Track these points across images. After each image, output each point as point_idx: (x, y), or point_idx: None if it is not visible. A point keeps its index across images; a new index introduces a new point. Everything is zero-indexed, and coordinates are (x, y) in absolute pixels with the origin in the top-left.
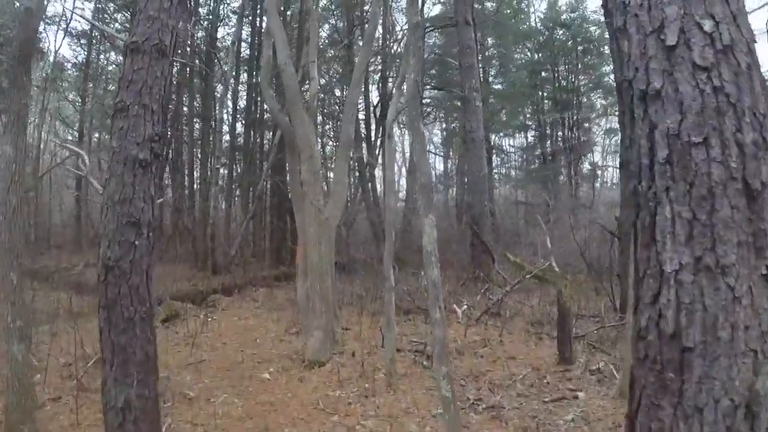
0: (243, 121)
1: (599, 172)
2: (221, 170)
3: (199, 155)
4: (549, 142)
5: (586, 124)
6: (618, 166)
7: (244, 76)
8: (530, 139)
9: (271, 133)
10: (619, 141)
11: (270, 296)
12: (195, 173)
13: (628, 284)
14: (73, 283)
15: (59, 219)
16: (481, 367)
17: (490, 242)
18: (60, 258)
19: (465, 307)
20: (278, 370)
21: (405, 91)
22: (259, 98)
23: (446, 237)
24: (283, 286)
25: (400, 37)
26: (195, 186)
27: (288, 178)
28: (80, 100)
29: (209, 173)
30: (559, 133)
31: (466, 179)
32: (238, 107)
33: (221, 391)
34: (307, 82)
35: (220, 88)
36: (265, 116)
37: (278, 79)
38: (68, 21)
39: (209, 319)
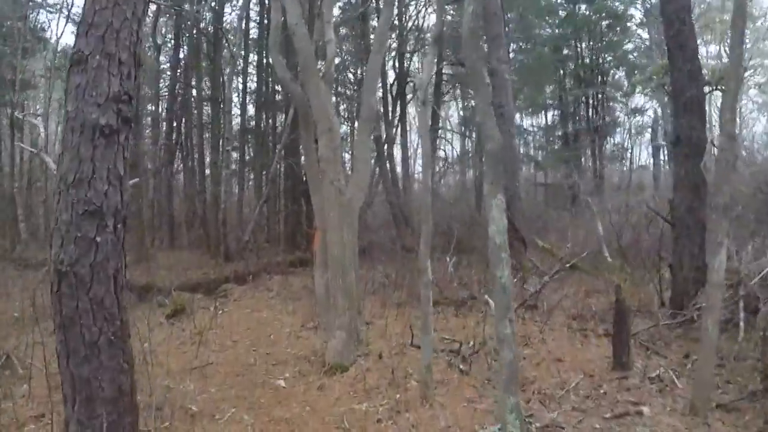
0: (254, 103)
1: (627, 154)
2: (233, 154)
3: (210, 139)
4: (571, 122)
5: (611, 104)
6: (672, 142)
7: (253, 57)
8: (552, 118)
9: (283, 115)
10: (644, 121)
11: (285, 284)
12: (205, 158)
13: (683, 276)
14: None
15: None
16: (525, 372)
17: (521, 227)
18: None
19: None
20: (295, 376)
21: (464, 25)
22: (270, 79)
23: (468, 221)
24: (299, 273)
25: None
26: (206, 171)
27: (303, 159)
28: None
29: (220, 157)
30: (582, 113)
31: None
32: (248, 88)
33: (229, 403)
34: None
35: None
36: (277, 97)
37: (289, 46)
38: (69, 8)
39: (220, 312)
